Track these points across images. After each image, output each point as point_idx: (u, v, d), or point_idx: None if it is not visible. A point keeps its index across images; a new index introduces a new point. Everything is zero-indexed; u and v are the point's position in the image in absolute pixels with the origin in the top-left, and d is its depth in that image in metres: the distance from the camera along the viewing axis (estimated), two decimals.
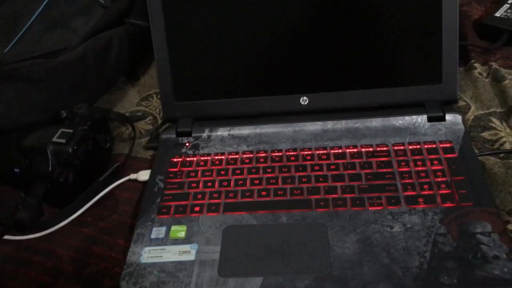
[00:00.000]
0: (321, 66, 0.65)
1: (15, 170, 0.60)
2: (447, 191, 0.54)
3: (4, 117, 0.63)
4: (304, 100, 0.65)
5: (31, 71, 0.64)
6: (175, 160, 0.64)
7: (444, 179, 0.55)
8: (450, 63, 0.62)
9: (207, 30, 0.65)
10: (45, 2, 0.81)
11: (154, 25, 0.65)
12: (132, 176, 0.63)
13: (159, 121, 0.73)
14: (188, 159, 0.64)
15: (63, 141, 0.57)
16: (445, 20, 0.61)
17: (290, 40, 0.64)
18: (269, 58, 0.65)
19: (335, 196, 0.56)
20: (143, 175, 0.63)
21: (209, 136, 0.66)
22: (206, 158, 0.63)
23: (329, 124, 0.64)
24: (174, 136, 0.67)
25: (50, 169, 0.57)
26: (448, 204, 0.53)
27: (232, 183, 0.59)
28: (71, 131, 0.58)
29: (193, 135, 0.67)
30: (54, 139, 0.58)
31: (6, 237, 0.57)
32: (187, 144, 0.66)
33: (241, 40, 0.65)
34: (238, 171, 0.61)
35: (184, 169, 0.62)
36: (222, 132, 0.66)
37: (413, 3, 0.61)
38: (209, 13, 0.64)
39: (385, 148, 0.60)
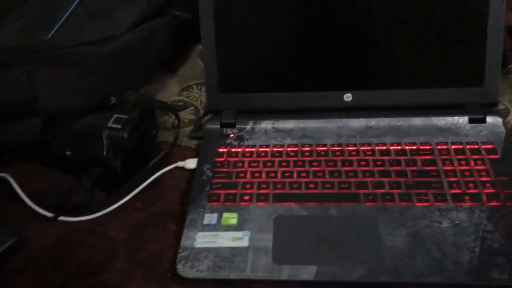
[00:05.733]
0: (366, 64, 0.66)
1: (67, 153, 0.61)
2: (492, 191, 0.56)
3: (54, 101, 0.64)
4: (347, 97, 0.67)
5: (82, 57, 0.65)
6: (220, 150, 0.65)
7: (488, 178, 0.57)
8: (493, 67, 0.64)
9: (256, 24, 0.66)
10: None
11: (204, 17, 0.66)
12: (180, 163, 0.65)
13: (201, 112, 0.74)
14: (233, 149, 0.65)
15: (118, 126, 0.59)
16: (491, 25, 0.63)
17: (337, 37, 0.66)
18: (316, 54, 0.67)
19: (382, 191, 0.57)
20: (190, 163, 0.64)
21: (253, 129, 0.68)
22: (251, 149, 0.65)
23: (373, 121, 0.66)
24: (219, 127, 0.68)
25: (104, 153, 0.58)
26: (493, 203, 0.55)
27: (279, 174, 0.61)
28: (125, 117, 0.60)
29: (237, 126, 0.68)
30: (109, 124, 0.59)
31: (59, 218, 0.58)
32: (232, 135, 0.67)
33: (288, 35, 0.66)
34: (284, 164, 0.62)
35: (230, 159, 0.64)
36: (266, 125, 0.68)
37: (461, 8, 0.63)
38: (258, 7, 0.66)
39: (428, 147, 0.62)
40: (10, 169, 0.63)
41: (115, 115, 0.60)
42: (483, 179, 0.57)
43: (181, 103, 0.76)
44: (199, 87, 0.78)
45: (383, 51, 0.66)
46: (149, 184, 0.62)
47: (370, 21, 0.65)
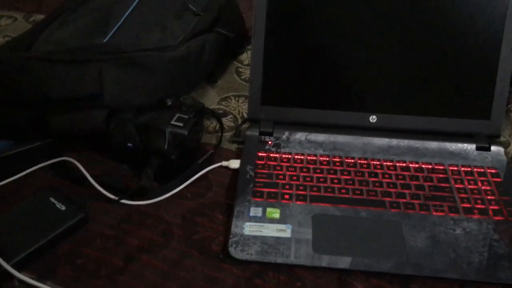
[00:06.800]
0: (391, 92, 0.76)
1: (128, 145, 0.68)
2: (496, 207, 0.66)
3: (118, 97, 0.72)
4: (373, 118, 0.76)
5: (147, 60, 0.73)
6: (260, 154, 0.73)
7: (493, 197, 0.67)
8: (500, 104, 0.75)
9: (298, 50, 0.76)
10: (136, 1, 0.91)
11: (256, 37, 0.75)
12: (224, 163, 0.73)
13: (239, 120, 0.82)
14: (272, 155, 0.73)
15: (180, 124, 0.67)
16: (500, 68, 0.74)
17: (366, 67, 0.76)
18: (347, 79, 0.76)
19: (404, 200, 0.66)
20: (234, 163, 0.72)
21: (288, 138, 0.76)
22: (288, 156, 0.73)
23: (394, 142, 0.76)
24: (257, 134, 0.77)
25: (165, 147, 0.66)
26: (498, 217, 0.64)
27: (314, 179, 0.69)
28: (186, 117, 0.68)
29: (274, 135, 0.77)
30: (172, 122, 0.67)
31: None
32: (270, 142, 0.76)
33: (326, 61, 0.76)
34: (318, 170, 0.71)
35: (270, 162, 0.72)
36: (300, 136, 0.77)
37: (475, 50, 0.74)
38: (303, 37, 0.75)
39: (442, 167, 0.72)
40: (71, 155, 0.70)
41: (177, 115, 0.68)
42: (489, 197, 0.67)
43: (221, 111, 0.84)
44: (236, 99, 0.87)
45: (407, 82, 0.75)
46: (197, 178, 0.70)
47: (395, 57, 0.75)
